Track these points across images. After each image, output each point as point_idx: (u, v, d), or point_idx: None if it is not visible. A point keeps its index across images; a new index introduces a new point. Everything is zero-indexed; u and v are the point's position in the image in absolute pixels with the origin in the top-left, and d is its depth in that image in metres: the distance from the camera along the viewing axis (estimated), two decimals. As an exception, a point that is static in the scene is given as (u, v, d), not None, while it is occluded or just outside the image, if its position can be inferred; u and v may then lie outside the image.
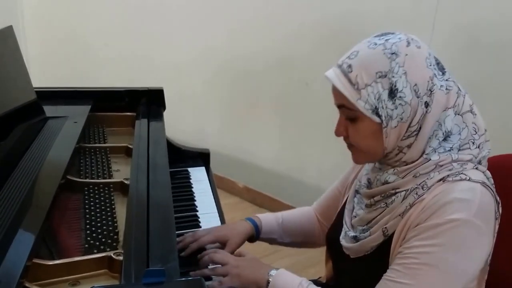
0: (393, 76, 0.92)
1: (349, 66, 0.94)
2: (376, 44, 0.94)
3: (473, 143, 0.96)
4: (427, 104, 0.93)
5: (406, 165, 0.96)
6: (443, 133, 0.95)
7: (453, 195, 0.90)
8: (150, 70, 3.45)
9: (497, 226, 0.96)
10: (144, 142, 1.43)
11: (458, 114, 0.96)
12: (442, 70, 0.97)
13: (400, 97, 0.92)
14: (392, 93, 0.92)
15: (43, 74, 3.73)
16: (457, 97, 0.96)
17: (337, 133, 1.01)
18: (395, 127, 0.93)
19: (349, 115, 0.97)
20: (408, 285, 0.90)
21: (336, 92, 0.97)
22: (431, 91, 0.93)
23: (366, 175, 1.07)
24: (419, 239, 0.90)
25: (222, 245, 1.19)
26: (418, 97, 0.92)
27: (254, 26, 2.87)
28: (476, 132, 0.96)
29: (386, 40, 0.94)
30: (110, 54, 3.75)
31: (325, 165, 2.64)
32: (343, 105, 0.96)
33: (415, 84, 0.92)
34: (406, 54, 0.92)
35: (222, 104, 3.20)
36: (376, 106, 0.92)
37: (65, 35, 3.97)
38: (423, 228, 0.90)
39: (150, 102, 1.75)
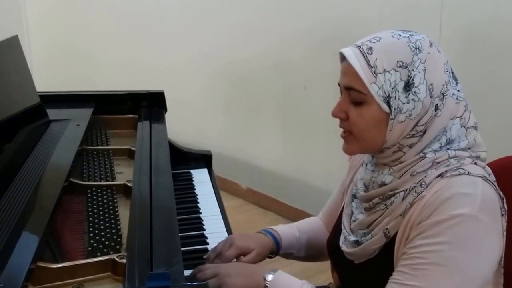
0: (413, 70, 0.91)
1: (370, 48, 0.92)
2: (400, 35, 0.94)
3: (469, 155, 0.95)
4: (437, 107, 0.92)
5: (401, 163, 0.95)
6: (446, 140, 0.94)
7: (454, 190, 0.88)
8: (150, 75, 3.47)
9: (505, 224, 0.93)
10: (146, 144, 1.43)
11: (463, 127, 0.96)
12: (456, 80, 0.97)
13: (414, 92, 0.91)
14: (408, 86, 0.91)
15: (47, 79, 3.74)
16: (465, 110, 0.96)
17: (335, 114, 0.97)
18: (402, 122, 0.92)
19: (356, 98, 0.93)
20: (417, 287, 0.87)
21: (348, 71, 0.94)
22: (444, 96, 0.93)
23: (361, 180, 1.04)
24: (423, 237, 0.88)
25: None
26: (431, 97, 0.92)
27: (252, 30, 2.89)
28: (471, 148, 0.96)
29: (411, 35, 0.94)
30: (110, 60, 3.77)
31: (329, 166, 2.64)
32: (352, 87, 0.93)
33: (431, 84, 0.92)
34: (429, 53, 0.93)
35: (222, 107, 3.21)
36: (389, 95, 0.91)
37: (67, 42, 4.00)
38: (426, 226, 0.88)
39: (151, 104, 1.75)
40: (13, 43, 1.44)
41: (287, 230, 1.21)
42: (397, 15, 2.22)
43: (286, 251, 1.20)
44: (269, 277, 0.98)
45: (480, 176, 0.90)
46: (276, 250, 1.18)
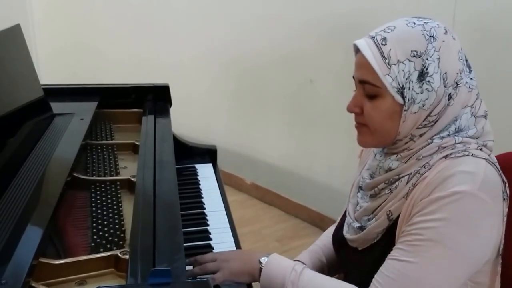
0: (427, 59, 0.90)
1: (384, 39, 0.91)
2: (415, 23, 0.92)
3: (476, 142, 0.94)
4: (450, 97, 0.91)
5: (410, 150, 0.94)
6: (455, 129, 0.93)
7: (456, 168, 0.88)
8: (157, 68, 3.46)
9: (506, 209, 0.92)
10: (150, 139, 1.42)
11: (473, 116, 0.95)
12: (469, 68, 0.96)
13: (428, 81, 0.90)
14: (422, 75, 0.90)
15: (52, 72, 3.75)
16: (476, 99, 0.95)
17: (350, 109, 0.97)
18: (415, 112, 0.91)
19: (370, 91, 0.93)
20: (412, 263, 0.87)
21: (361, 64, 0.93)
22: (457, 84, 0.91)
23: (368, 170, 1.04)
24: (422, 214, 0.88)
25: None
26: (445, 87, 0.90)
27: (260, 23, 2.86)
28: (479, 137, 0.95)
29: (425, 22, 0.93)
30: (117, 52, 3.76)
31: (333, 162, 2.62)
32: (366, 81, 0.92)
33: (445, 73, 0.90)
34: (443, 41, 0.91)
35: (228, 101, 3.19)
36: (403, 86, 0.90)
37: (72, 35, 3.99)
38: (426, 203, 0.88)
39: (156, 98, 1.74)
40: (14, 32, 1.40)
41: (313, 259, 1.19)
42: (409, 5, 2.19)
43: None
44: (264, 259, 1.02)
45: (484, 158, 0.90)
46: None
